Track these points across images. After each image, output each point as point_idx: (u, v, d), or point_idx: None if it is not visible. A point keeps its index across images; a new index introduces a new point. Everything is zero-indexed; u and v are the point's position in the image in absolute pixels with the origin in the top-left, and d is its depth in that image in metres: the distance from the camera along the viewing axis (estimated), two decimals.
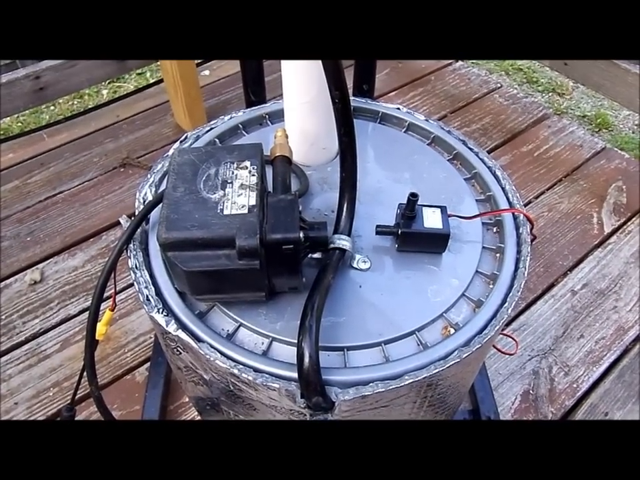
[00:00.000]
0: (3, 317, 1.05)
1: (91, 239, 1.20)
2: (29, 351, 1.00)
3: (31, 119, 1.77)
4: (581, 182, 1.35)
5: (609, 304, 1.08)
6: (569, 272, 1.14)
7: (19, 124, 1.76)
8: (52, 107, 1.82)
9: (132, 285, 1.08)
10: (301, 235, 0.45)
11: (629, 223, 1.25)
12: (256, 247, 0.43)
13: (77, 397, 0.90)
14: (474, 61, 1.81)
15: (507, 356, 0.96)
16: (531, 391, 0.95)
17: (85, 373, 0.65)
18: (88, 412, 0.91)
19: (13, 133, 1.68)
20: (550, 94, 1.94)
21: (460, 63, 1.72)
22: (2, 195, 1.29)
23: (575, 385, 0.96)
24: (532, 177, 1.35)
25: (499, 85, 1.64)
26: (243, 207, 0.45)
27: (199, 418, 0.92)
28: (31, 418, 0.91)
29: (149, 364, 0.97)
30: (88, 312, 1.04)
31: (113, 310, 0.61)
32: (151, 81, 1.80)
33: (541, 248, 1.16)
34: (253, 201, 0.45)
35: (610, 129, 1.81)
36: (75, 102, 1.87)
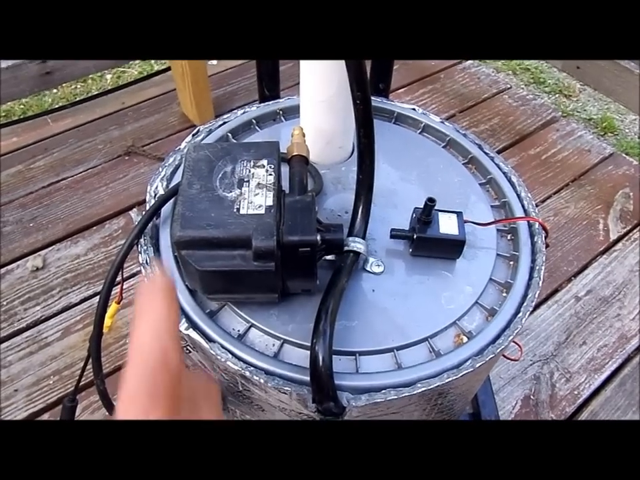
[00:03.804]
0: (4, 303, 1.04)
1: (94, 227, 1.19)
2: (30, 338, 0.99)
3: (34, 102, 1.76)
4: (588, 187, 1.34)
5: (613, 311, 1.08)
6: (573, 278, 1.14)
7: (22, 106, 1.74)
8: (54, 90, 1.80)
9: (134, 275, 1.08)
10: (318, 237, 0.44)
11: (634, 231, 1.25)
12: (272, 249, 0.42)
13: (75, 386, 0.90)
14: (483, 60, 1.80)
15: (509, 360, 0.96)
16: (532, 396, 0.95)
17: (86, 365, 0.65)
18: (88, 401, 0.91)
19: (15, 115, 1.66)
20: (557, 95, 1.93)
21: (470, 61, 1.71)
22: (5, 179, 1.28)
23: (576, 392, 0.96)
24: (539, 180, 1.35)
25: (508, 86, 1.62)
26: (259, 207, 0.44)
27: None
28: (31, 405, 0.91)
29: None
30: (89, 301, 1.04)
31: (119, 303, 0.60)
32: (156, 67, 1.78)
33: (546, 253, 1.15)
34: (269, 201, 0.45)
35: (615, 133, 1.80)
36: (79, 85, 1.86)
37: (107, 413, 0.71)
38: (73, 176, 1.30)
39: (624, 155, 1.46)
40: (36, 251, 1.14)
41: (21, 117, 1.64)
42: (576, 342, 1.04)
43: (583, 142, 1.47)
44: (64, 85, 1.78)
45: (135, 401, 0.23)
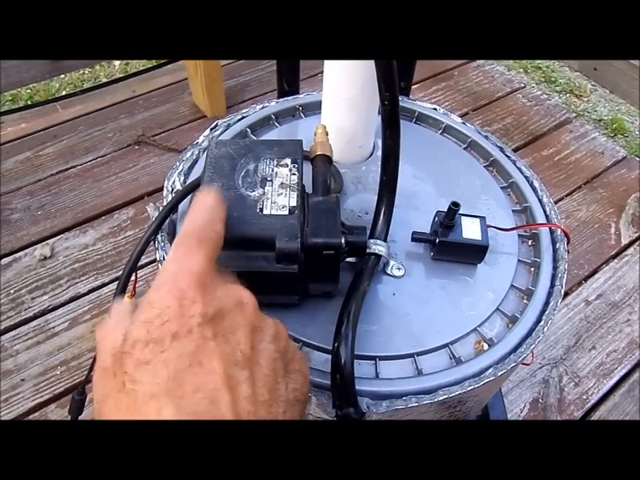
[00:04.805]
0: (12, 292, 1.04)
1: (103, 217, 1.18)
2: (37, 327, 0.99)
3: (40, 86, 1.74)
4: (601, 190, 1.33)
5: (623, 316, 1.08)
6: (583, 281, 1.13)
7: (28, 91, 1.73)
8: (62, 75, 1.78)
9: (144, 266, 1.07)
10: (343, 240, 0.43)
11: None
12: (296, 251, 0.41)
13: (84, 376, 0.90)
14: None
15: (521, 364, 0.95)
16: (540, 400, 0.95)
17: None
18: None
19: (22, 100, 1.65)
20: (567, 95, 1.91)
21: (483, 59, 1.69)
22: (14, 165, 1.27)
23: (584, 397, 0.96)
24: (551, 182, 1.33)
25: (522, 85, 1.61)
26: (283, 208, 0.43)
27: None
28: (38, 396, 0.91)
29: None
30: (97, 292, 1.03)
31: (132, 297, 0.60)
32: None
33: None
34: (293, 202, 0.44)
35: (625, 135, 1.78)
36: (86, 71, 1.84)
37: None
38: (82, 164, 1.28)
39: (637, 159, 1.44)
40: (44, 240, 1.13)
41: (28, 101, 1.63)
42: (585, 346, 1.03)
43: (597, 144, 1.45)
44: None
45: (185, 242, 0.30)
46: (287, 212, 0.43)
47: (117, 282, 1.08)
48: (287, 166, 0.47)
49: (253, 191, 0.45)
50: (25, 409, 0.90)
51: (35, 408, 0.90)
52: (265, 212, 0.43)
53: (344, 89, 0.55)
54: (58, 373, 0.94)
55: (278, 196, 0.44)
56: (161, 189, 0.57)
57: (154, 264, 1.07)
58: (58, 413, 0.89)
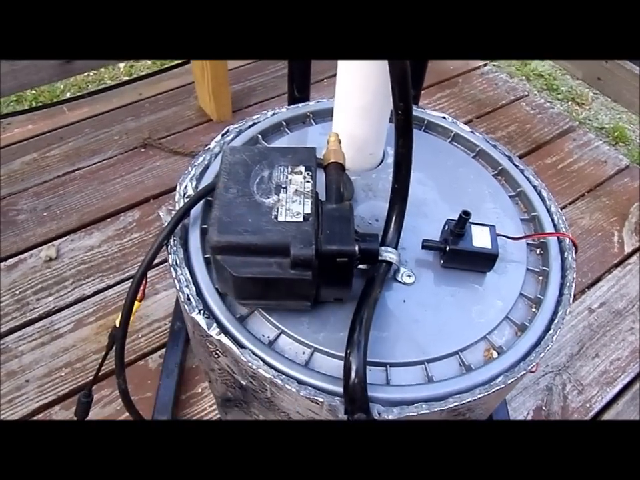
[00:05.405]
0: (17, 293, 1.04)
1: (109, 219, 1.18)
2: (42, 328, 0.99)
3: (45, 87, 1.74)
4: (604, 199, 1.34)
5: (626, 325, 1.08)
6: (587, 289, 1.14)
7: (33, 92, 1.73)
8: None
9: (149, 268, 1.07)
10: (356, 247, 0.44)
11: None
12: (311, 258, 0.42)
13: (88, 378, 0.90)
14: (497, 65, 1.79)
15: None
16: (544, 407, 0.95)
17: (104, 362, 0.65)
18: (99, 395, 0.91)
19: (27, 101, 1.65)
20: (569, 103, 1.92)
21: (488, 67, 1.70)
22: (20, 167, 1.28)
23: (587, 405, 0.96)
24: (554, 189, 1.34)
25: (525, 93, 1.61)
26: (298, 215, 0.44)
27: (210, 410, 0.92)
28: (42, 397, 0.91)
29: (162, 351, 0.97)
30: (102, 294, 1.04)
31: (140, 300, 0.60)
32: None
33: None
34: (308, 209, 0.44)
35: (627, 143, 1.79)
36: (92, 73, 1.84)
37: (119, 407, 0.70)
38: (88, 166, 1.29)
39: (639, 167, 1.45)
40: (49, 241, 1.13)
41: (33, 102, 1.64)
42: (588, 354, 1.03)
43: (600, 152, 1.46)
44: None
45: None
46: (301, 219, 0.44)
47: (122, 284, 1.08)
48: (301, 173, 0.47)
49: (268, 197, 0.45)
50: (28, 410, 0.90)
51: (39, 409, 0.90)
52: (280, 219, 0.44)
53: (356, 97, 0.55)
54: (62, 374, 0.94)
55: (292, 203, 0.45)
56: (167, 192, 0.58)
57: (161, 265, 1.07)
58: (62, 414, 0.89)
